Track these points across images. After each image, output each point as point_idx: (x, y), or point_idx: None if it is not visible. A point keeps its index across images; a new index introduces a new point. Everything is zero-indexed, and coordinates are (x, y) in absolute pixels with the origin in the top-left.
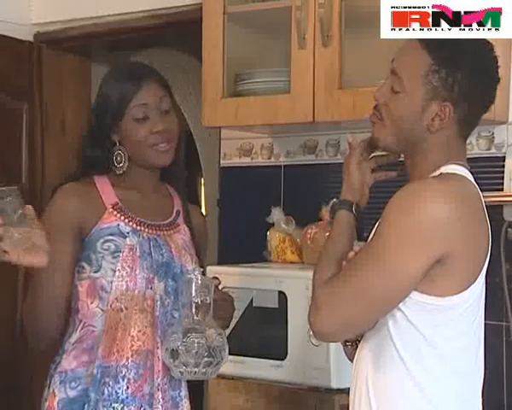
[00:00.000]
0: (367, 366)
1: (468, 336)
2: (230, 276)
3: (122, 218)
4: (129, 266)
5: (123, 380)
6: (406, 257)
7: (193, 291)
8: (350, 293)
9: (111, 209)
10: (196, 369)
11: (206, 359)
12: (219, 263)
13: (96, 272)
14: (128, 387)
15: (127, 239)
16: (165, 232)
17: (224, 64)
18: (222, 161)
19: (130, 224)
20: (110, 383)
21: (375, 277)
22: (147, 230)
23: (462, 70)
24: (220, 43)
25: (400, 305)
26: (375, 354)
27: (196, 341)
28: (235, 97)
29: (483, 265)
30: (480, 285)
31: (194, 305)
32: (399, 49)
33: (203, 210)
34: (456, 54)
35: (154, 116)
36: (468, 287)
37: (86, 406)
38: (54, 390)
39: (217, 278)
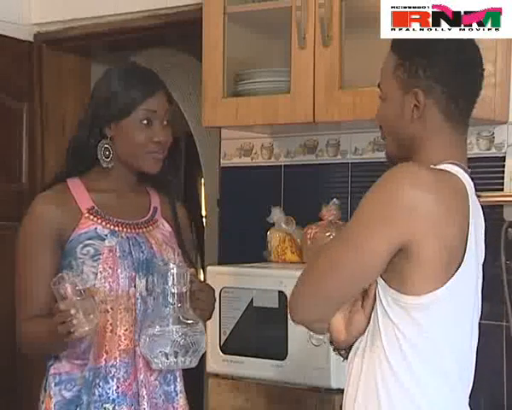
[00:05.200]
0: (358, 365)
1: (450, 335)
2: (230, 276)
3: (99, 221)
4: (110, 267)
5: (112, 380)
6: (368, 234)
7: (169, 281)
8: (321, 268)
9: (87, 214)
10: (174, 359)
11: (182, 349)
12: (219, 263)
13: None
14: (118, 386)
15: (106, 241)
16: (145, 229)
17: (224, 64)
18: (222, 161)
19: (108, 226)
20: (100, 383)
21: (343, 252)
22: (125, 229)
23: (424, 54)
24: (220, 43)
25: (384, 303)
26: (366, 351)
27: (172, 331)
28: (235, 97)
29: (458, 264)
30: (456, 285)
31: (170, 295)
32: None
33: (203, 210)
34: (417, 43)
35: (157, 125)
36: (443, 285)
37: (78, 409)
38: (49, 393)
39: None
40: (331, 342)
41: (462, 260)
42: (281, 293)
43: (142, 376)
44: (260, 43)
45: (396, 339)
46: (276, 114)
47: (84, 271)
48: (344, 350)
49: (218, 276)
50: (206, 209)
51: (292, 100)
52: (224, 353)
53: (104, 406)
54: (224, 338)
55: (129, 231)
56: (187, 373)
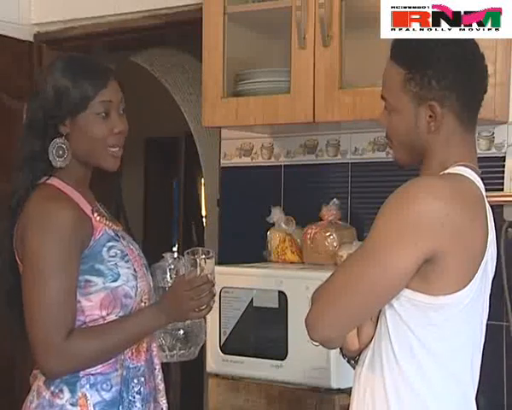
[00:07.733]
0: (366, 365)
1: (463, 337)
2: (230, 276)
3: (105, 222)
4: (138, 267)
5: (144, 378)
6: (394, 251)
7: (167, 275)
8: (339, 285)
9: (96, 216)
10: (173, 352)
11: (181, 342)
12: (219, 263)
13: (114, 281)
14: (147, 384)
15: (121, 241)
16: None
17: (224, 64)
18: (222, 161)
19: (111, 226)
20: (147, 382)
21: (364, 270)
22: (116, 228)
23: (433, 64)
24: (220, 43)
25: (395, 304)
26: (374, 354)
27: (171, 324)
28: (235, 97)
29: (478, 266)
30: (475, 286)
31: (168, 288)
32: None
33: (203, 210)
34: (422, 53)
35: (115, 115)
36: (464, 287)
37: (121, 407)
38: (85, 394)
39: None
40: (342, 354)
41: (479, 264)
42: (281, 293)
43: (160, 372)
44: (260, 43)
45: (407, 340)
46: (276, 114)
47: (121, 273)
48: (353, 360)
49: (218, 276)
50: (206, 209)
51: (292, 100)
52: (224, 353)
53: (147, 405)
54: (224, 338)
55: (117, 230)
56: (187, 373)
